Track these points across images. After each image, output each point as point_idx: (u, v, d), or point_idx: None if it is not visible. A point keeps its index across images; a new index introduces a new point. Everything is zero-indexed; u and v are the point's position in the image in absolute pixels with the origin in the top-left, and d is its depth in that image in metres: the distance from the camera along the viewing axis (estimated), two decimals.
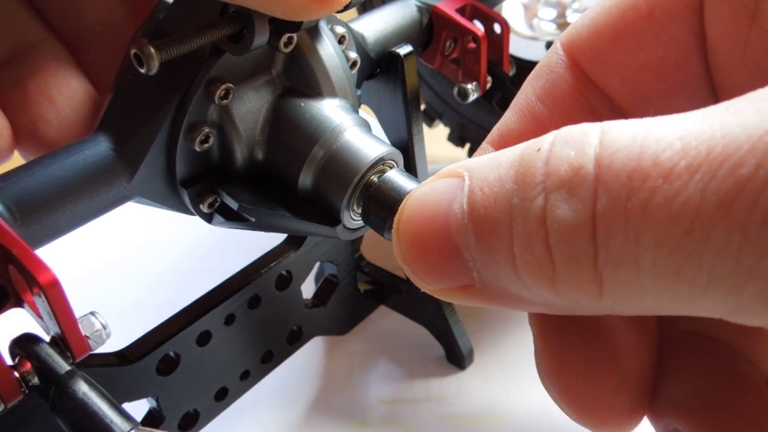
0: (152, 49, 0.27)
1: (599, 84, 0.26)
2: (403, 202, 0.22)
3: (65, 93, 0.34)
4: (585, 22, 0.25)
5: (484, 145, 0.27)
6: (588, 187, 0.17)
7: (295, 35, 0.31)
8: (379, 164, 0.32)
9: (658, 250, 0.16)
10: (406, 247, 0.22)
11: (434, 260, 0.21)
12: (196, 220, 0.36)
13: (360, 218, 0.33)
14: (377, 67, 0.42)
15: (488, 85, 0.46)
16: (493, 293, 0.20)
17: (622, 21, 0.24)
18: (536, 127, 0.26)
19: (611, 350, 0.24)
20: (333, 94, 0.34)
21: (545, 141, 0.19)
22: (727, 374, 0.24)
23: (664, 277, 0.17)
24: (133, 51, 0.28)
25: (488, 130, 0.73)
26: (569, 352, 0.24)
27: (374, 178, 0.32)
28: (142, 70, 0.28)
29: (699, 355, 0.24)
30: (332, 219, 0.32)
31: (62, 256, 0.39)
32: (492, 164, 0.20)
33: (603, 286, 0.18)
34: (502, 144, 0.26)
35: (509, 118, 0.27)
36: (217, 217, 0.34)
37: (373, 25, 0.41)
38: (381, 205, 0.31)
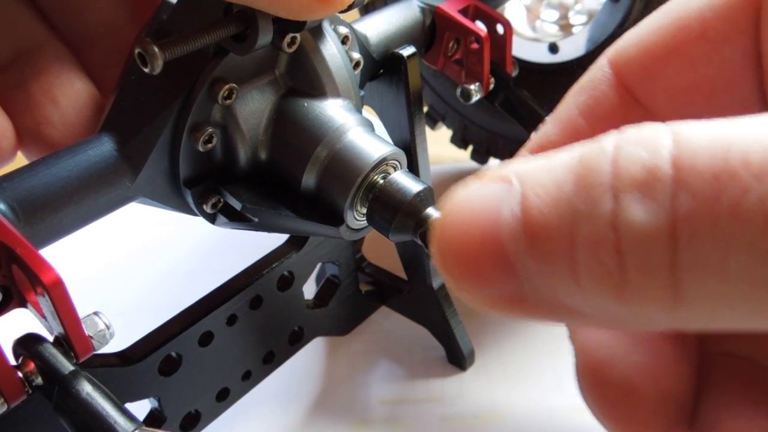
0: (156, 49, 0.27)
1: (645, 102, 0.25)
2: (442, 208, 0.21)
3: (68, 94, 0.34)
4: (633, 41, 0.25)
5: (523, 152, 0.27)
6: (666, 188, 0.17)
7: (298, 35, 0.31)
8: (383, 164, 0.32)
9: (751, 255, 0.16)
10: (450, 256, 0.20)
11: (480, 269, 0.20)
12: (198, 221, 0.36)
13: (364, 218, 0.33)
14: (380, 67, 0.42)
15: (491, 86, 0.46)
16: (546, 305, 0.19)
17: (673, 40, 0.24)
18: (578, 140, 0.25)
19: (652, 369, 0.23)
20: (336, 94, 0.34)
21: (607, 142, 0.18)
22: None
23: (756, 285, 0.16)
24: (137, 50, 0.28)
25: (491, 132, 0.73)
26: (610, 369, 0.23)
27: (378, 179, 0.32)
28: (146, 70, 0.28)
29: (741, 378, 0.24)
30: (336, 219, 0.32)
31: (65, 257, 0.39)
32: (545, 168, 0.19)
33: (682, 296, 0.17)
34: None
35: (550, 129, 0.26)
36: (221, 218, 0.34)
37: (376, 26, 0.41)
38: (386, 206, 0.31)
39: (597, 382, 0.23)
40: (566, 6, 0.64)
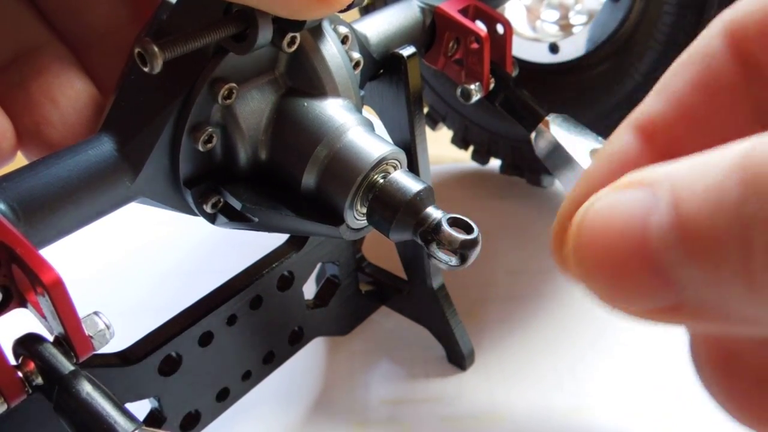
0: (156, 48, 0.27)
1: None
2: (576, 219, 0.20)
3: (68, 95, 0.34)
4: (756, 6, 0.22)
5: (624, 129, 0.24)
6: None
7: (298, 35, 0.31)
8: (383, 164, 0.32)
9: None
10: (596, 270, 0.19)
11: (632, 281, 0.19)
12: (199, 221, 0.36)
13: (364, 218, 0.33)
14: (380, 67, 0.42)
15: (491, 86, 0.46)
16: (709, 313, 0.18)
17: None
18: (691, 117, 0.23)
19: None
20: (336, 94, 0.34)
21: None
22: None
23: None
24: (136, 50, 0.28)
25: (492, 132, 0.73)
26: (743, 358, 0.22)
27: (378, 178, 0.32)
28: (146, 69, 0.28)
29: None
30: (336, 219, 0.32)
31: (65, 257, 0.39)
32: (697, 170, 0.18)
33: None
34: (651, 131, 0.24)
35: (656, 104, 0.24)
36: (221, 218, 0.34)
37: (376, 26, 0.41)
38: (386, 206, 0.31)
39: (727, 372, 0.22)
40: (566, 6, 0.64)
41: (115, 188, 0.31)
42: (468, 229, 0.30)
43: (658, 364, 0.53)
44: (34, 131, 0.33)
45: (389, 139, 0.34)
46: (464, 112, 0.67)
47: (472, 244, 0.30)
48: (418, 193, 0.31)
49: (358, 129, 0.32)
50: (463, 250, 0.29)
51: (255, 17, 0.29)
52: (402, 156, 0.33)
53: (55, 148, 0.31)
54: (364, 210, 0.32)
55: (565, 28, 0.64)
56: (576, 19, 0.64)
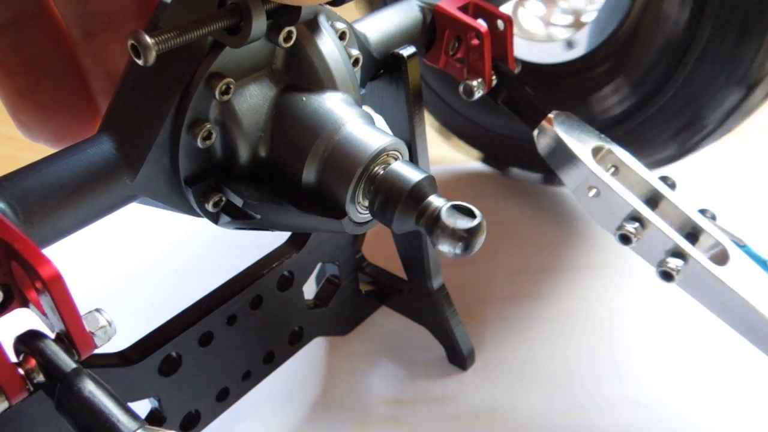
0: (148, 39, 0.27)
1: None
2: None
3: (62, 63, 0.34)
4: None
5: None
6: None
7: (294, 29, 0.31)
8: (383, 155, 0.32)
9: None
10: None
11: None
12: (199, 221, 0.36)
13: (366, 211, 0.32)
14: (380, 68, 0.42)
15: (493, 83, 0.46)
16: None
17: None
18: None
19: None
20: (335, 88, 0.34)
21: None
22: None
23: None
24: (130, 42, 0.28)
25: (510, 138, 0.73)
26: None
27: (379, 170, 0.31)
28: (140, 62, 0.28)
29: None
30: (338, 212, 0.32)
31: (64, 258, 0.39)
32: None
33: None
34: None
35: None
36: (223, 217, 0.34)
37: (376, 26, 0.41)
38: (387, 197, 0.31)
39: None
40: (579, 12, 0.64)
41: (115, 187, 0.31)
42: (471, 216, 0.30)
43: (657, 364, 0.53)
44: (25, 92, 0.33)
45: (389, 131, 0.34)
46: (482, 122, 0.66)
47: (476, 230, 0.30)
48: (420, 182, 0.31)
49: (357, 121, 0.32)
50: (467, 237, 0.29)
51: (249, 9, 0.29)
52: (402, 147, 0.32)
53: (42, 114, 0.31)
54: (367, 202, 0.32)
55: (577, 24, 0.64)
56: (588, 17, 0.64)
